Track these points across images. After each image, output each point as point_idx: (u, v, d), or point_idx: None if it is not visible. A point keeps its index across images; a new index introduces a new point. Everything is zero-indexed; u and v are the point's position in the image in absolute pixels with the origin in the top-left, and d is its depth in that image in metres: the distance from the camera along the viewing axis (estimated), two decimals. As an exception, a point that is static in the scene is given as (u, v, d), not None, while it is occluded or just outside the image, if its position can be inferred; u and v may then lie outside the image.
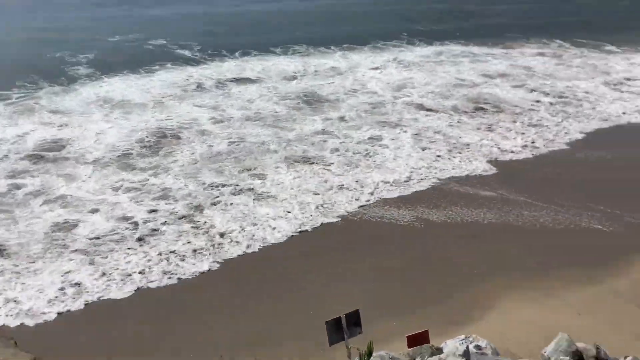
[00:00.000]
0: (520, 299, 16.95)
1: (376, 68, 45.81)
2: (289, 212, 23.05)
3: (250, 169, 27.24)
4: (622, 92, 38.78)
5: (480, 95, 38.31)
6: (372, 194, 24.60)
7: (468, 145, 29.92)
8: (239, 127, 33.02)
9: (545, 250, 19.77)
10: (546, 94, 38.37)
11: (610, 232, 20.77)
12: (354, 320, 11.45)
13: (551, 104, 36.62)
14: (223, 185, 25.45)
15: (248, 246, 20.59)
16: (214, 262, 19.61)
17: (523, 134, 31.59)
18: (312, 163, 27.92)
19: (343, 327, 11.28)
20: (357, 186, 25.29)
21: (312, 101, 37.84)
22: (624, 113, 34.79)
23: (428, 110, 35.74)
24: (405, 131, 32.09)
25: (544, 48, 51.28)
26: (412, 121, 33.83)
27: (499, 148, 29.62)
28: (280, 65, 46.98)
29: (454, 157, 28.46)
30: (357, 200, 24.09)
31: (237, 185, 25.48)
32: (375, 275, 18.78)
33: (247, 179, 26.14)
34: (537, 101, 37.14)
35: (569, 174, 26.42)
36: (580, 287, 17.35)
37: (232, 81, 42.71)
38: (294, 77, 43.58)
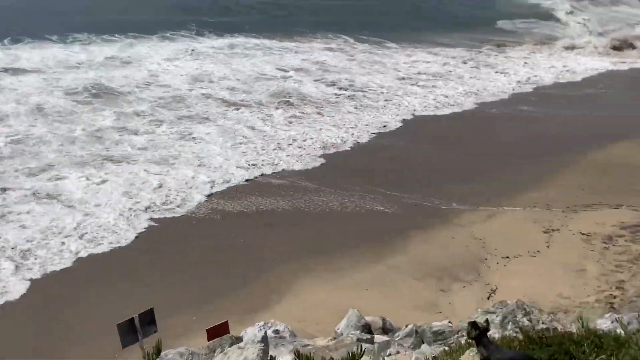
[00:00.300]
0: (314, 282, 17.64)
1: (169, 59, 44.14)
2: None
3: (44, 171, 24.59)
4: (413, 85, 41.86)
5: (284, 89, 38.83)
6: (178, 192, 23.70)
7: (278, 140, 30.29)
8: (19, 125, 29.58)
9: (335, 233, 20.84)
10: (345, 88, 40.11)
11: (390, 213, 22.54)
12: (148, 320, 10.91)
13: (351, 97, 38.30)
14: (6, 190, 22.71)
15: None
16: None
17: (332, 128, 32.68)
18: (121, 162, 26.06)
19: (137, 327, 10.68)
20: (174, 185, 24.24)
21: (101, 94, 35.32)
22: (416, 106, 37.61)
23: (234, 104, 35.38)
24: (216, 126, 31.42)
25: (330, 43, 53.67)
26: (220, 116, 33.15)
27: (304, 141, 30.35)
28: (60, 55, 43.05)
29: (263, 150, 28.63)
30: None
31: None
32: (172, 271, 18.22)
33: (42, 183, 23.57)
34: (337, 95, 38.68)
35: (358, 163, 28.15)
36: (366, 265, 18.57)
37: (2, 72, 38.25)
38: (78, 68, 40.32)
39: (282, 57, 47.42)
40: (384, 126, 33.23)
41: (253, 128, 31.75)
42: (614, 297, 15.77)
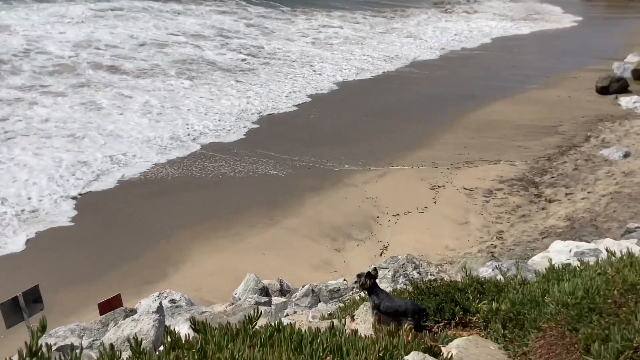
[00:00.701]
0: (210, 249, 17.45)
1: (45, 24, 40.94)
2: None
3: None
4: (332, 52, 41.63)
5: (188, 56, 37.30)
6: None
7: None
8: None
9: (229, 199, 20.66)
10: (253, 55, 39.20)
11: (283, 176, 22.64)
12: (33, 298, 10.35)
13: (263, 64, 37.51)
14: None
15: None
16: None
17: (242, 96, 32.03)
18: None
19: (21, 306, 10.10)
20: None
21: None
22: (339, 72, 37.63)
23: (135, 72, 33.55)
24: (129, 97, 29.74)
25: (222, 6, 52.10)
26: (125, 87, 31.29)
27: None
28: None
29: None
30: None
31: None
32: (55, 245, 17.35)
33: None
34: (244, 60, 37.77)
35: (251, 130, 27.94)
36: (262, 229, 18.61)
37: None
38: None
39: (173, 20, 45.43)
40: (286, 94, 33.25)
41: (165, 98, 30.63)
42: (495, 246, 16.87)
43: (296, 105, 31.76)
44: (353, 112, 30.83)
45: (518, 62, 42.96)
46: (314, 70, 37.53)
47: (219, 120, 28.40)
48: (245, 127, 27.96)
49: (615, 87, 33.25)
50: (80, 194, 20.57)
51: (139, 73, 33.93)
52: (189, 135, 26.38)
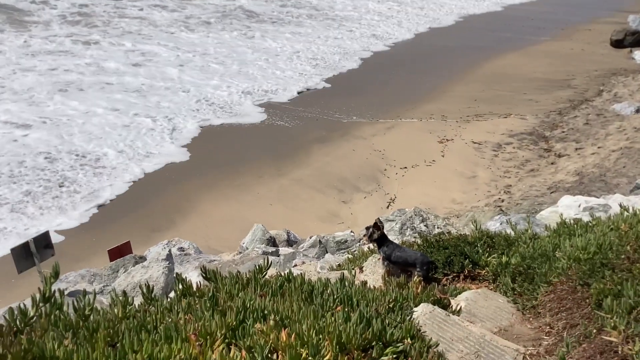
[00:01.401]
0: (217, 198, 17.51)
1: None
2: None
3: None
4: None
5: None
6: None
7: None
8: None
9: (237, 150, 20.61)
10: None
11: (291, 127, 22.50)
12: (44, 244, 10.45)
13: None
14: None
15: None
16: None
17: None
18: None
19: (32, 251, 10.22)
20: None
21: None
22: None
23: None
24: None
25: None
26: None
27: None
28: None
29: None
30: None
31: None
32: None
33: None
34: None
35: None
36: (270, 180, 18.63)
37: None
38: None
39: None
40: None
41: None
42: (502, 200, 16.85)
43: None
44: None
45: (532, 14, 41.99)
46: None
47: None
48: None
49: (630, 40, 32.58)
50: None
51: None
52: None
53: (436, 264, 5.38)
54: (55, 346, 2.57)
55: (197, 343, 2.84)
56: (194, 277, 9.24)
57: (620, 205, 5.11)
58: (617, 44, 32.42)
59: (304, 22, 37.48)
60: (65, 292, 3.39)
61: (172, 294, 4.19)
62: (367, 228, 5.36)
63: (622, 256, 3.82)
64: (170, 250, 11.12)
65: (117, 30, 32.66)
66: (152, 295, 3.81)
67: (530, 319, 4.36)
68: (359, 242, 11.66)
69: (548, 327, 3.97)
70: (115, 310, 3.37)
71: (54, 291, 3.12)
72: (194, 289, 3.89)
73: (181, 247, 12.67)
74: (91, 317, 3.26)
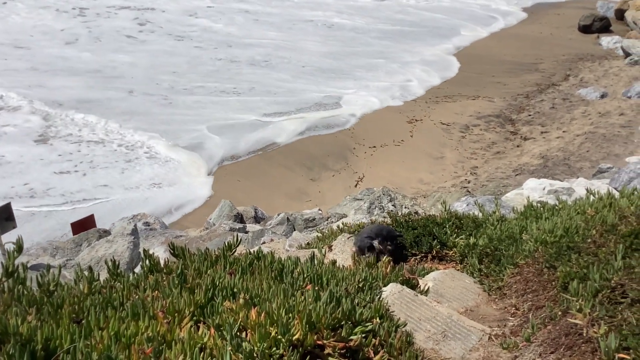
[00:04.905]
0: (184, 173, 17.31)
1: None
2: None
3: None
4: None
5: None
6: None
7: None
8: None
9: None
10: None
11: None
12: (5, 215, 10.19)
13: None
14: None
15: None
16: None
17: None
18: None
19: (-7, 223, 9.96)
20: None
21: None
22: None
23: None
24: None
25: None
26: None
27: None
28: None
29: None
30: None
31: None
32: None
33: None
34: None
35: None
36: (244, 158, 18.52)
37: None
38: None
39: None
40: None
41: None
42: (468, 182, 17.06)
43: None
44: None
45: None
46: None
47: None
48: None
49: (598, 26, 33.03)
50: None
51: None
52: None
53: (393, 233, 5.36)
54: (19, 322, 2.50)
55: (165, 320, 2.80)
56: (160, 253, 9.15)
57: (587, 190, 5.20)
58: (585, 29, 32.85)
59: None
60: (27, 266, 3.29)
61: (137, 269, 4.13)
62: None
63: (589, 240, 3.89)
64: (135, 225, 10.99)
65: None
66: (118, 271, 3.74)
67: (496, 300, 4.42)
68: (327, 220, 11.69)
69: (514, 308, 4.04)
70: (81, 285, 3.30)
71: (17, 266, 3.03)
72: (162, 266, 3.83)
73: (147, 222, 12.52)
74: (56, 292, 3.18)
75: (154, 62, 25.58)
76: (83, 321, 2.74)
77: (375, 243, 5.07)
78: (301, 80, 24.68)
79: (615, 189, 9.45)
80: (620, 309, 2.96)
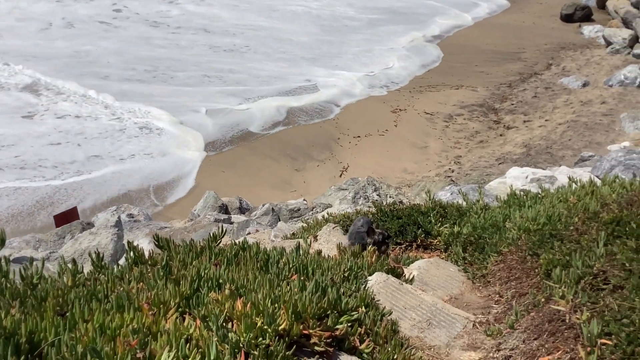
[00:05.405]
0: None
1: None
2: None
3: None
4: None
5: None
6: None
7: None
8: None
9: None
10: None
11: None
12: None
13: None
14: None
15: None
16: None
17: None
18: None
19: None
20: None
21: None
22: None
23: None
24: None
25: None
26: None
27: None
28: None
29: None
30: None
31: None
32: None
33: None
34: None
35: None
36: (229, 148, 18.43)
37: None
38: None
39: None
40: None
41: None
42: (452, 171, 17.14)
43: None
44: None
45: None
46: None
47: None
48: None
49: (580, 15, 33.21)
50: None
51: None
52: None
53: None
54: (2, 315, 2.48)
55: (150, 312, 2.79)
56: (145, 245, 9.11)
57: (569, 178, 5.25)
58: (567, 18, 33.01)
59: None
60: (10, 259, 3.26)
61: (121, 262, 4.10)
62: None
63: (571, 227, 3.93)
64: (119, 217, 10.91)
65: None
66: (102, 263, 3.71)
67: (480, 288, 4.47)
68: (312, 210, 11.70)
69: (497, 296, 4.08)
70: (65, 278, 3.27)
71: (0, 259, 3.00)
72: (146, 257, 3.81)
73: (131, 214, 12.44)
74: (39, 285, 3.16)
75: (129, 48, 25.39)
76: (67, 314, 2.72)
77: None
78: (280, 66, 24.67)
79: (597, 177, 9.55)
80: (602, 295, 3.00)
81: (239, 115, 20.21)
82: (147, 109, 19.79)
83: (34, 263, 3.25)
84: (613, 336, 2.66)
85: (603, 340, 2.67)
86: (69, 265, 3.35)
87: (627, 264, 3.11)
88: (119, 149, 17.16)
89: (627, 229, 3.53)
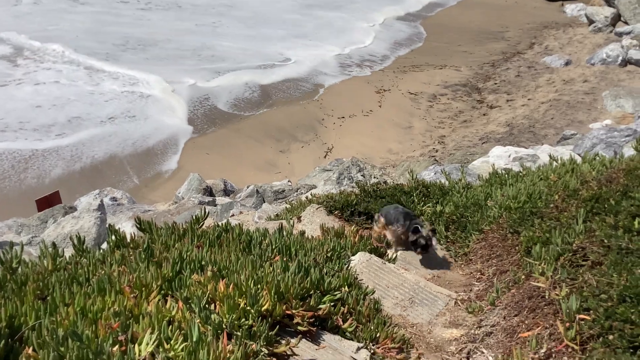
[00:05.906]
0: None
1: None
2: None
3: None
4: None
5: None
6: None
7: None
8: None
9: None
10: None
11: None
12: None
13: None
14: None
15: None
16: None
17: None
18: None
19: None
20: None
21: None
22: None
23: None
24: None
25: None
26: None
27: None
28: None
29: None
30: None
31: None
32: None
33: None
34: None
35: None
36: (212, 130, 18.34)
37: None
38: None
39: None
40: None
41: None
42: (436, 150, 17.20)
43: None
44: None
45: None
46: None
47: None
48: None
49: (563, -6, 33.24)
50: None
51: None
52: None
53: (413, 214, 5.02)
54: (-19, 301, 2.46)
55: (132, 295, 2.78)
56: (128, 228, 9.07)
57: (550, 156, 5.29)
58: (550, -3, 33.07)
59: None
60: (-10, 245, 3.23)
61: (104, 246, 4.08)
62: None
63: (551, 205, 3.97)
64: (102, 200, 10.84)
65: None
66: (84, 247, 3.69)
67: (462, 266, 4.51)
68: (297, 191, 11.69)
69: (479, 274, 4.12)
70: (45, 262, 3.25)
71: (-22, 244, 2.97)
72: (128, 240, 3.80)
73: (114, 197, 12.36)
74: (19, 269, 3.13)
75: (96, 24, 25.14)
76: (48, 298, 2.71)
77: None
78: (254, 43, 24.57)
79: (579, 154, 9.65)
80: (581, 271, 3.04)
81: (207, 91, 20.29)
82: (129, 72, 20.00)
83: (14, 247, 3.23)
84: (591, 311, 2.70)
85: (582, 316, 2.71)
86: (50, 250, 3.33)
87: (605, 241, 3.15)
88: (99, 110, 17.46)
89: (605, 205, 3.57)
